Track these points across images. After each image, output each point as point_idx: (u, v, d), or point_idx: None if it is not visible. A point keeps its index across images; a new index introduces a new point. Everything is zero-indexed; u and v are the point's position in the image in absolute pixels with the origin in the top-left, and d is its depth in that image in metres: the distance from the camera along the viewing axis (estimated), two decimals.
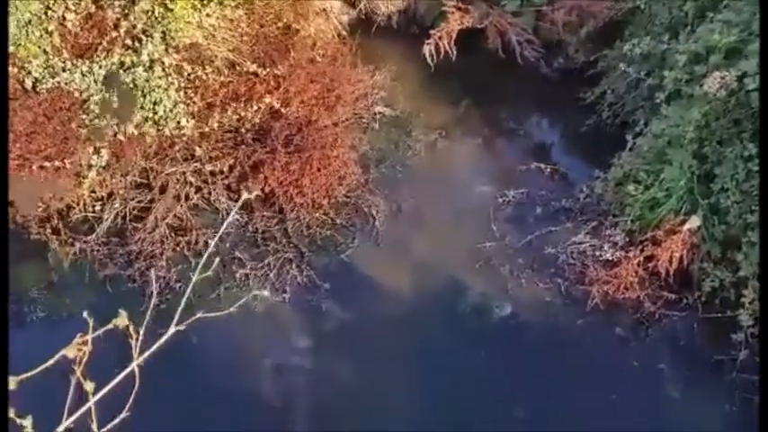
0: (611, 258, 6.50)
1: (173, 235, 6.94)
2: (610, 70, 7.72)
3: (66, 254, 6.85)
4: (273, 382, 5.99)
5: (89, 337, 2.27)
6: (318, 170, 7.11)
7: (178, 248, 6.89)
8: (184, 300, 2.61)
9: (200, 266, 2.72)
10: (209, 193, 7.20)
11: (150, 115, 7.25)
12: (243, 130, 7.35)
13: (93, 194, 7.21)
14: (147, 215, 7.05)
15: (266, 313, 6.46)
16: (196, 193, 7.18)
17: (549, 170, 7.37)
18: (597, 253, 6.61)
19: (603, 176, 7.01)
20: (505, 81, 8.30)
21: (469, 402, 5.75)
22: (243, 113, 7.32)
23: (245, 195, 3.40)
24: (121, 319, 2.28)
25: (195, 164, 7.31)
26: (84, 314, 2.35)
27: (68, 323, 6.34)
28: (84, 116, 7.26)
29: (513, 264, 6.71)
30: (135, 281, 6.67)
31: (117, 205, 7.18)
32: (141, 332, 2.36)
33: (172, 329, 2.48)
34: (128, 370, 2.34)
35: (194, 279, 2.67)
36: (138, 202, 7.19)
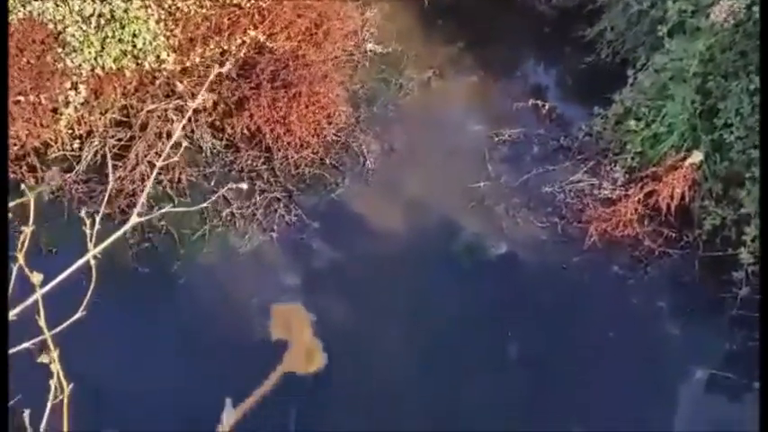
0: (610, 196, 6.31)
1: (154, 173, 6.65)
2: (611, 5, 7.40)
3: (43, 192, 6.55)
4: (262, 320, 5.79)
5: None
6: (306, 107, 6.81)
7: (160, 186, 6.61)
8: (149, 185, 2.34)
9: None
10: (192, 131, 6.90)
11: (129, 48, 6.87)
12: (227, 65, 6.99)
13: (71, 132, 6.89)
14: (127, 153, 6.74)
15: (254, 253, 6.24)
16: (180, 130, 6.86)
17: (546, 108, 7.11)
18: (596, 191, 6.41)
19: (603, 114, 6.77)
20: (501, 19, 7.96)
21: (463, 340, 5.60)
22: (226, 47, 6.97)
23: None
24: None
25: (177, 100, 6.98)
26: None
27: (47, 260, 6.09)
28: (59, 50, 6.87)
29: (509, 203, 6.51)
30: (115, 219, 6.40)
31: (96, 143, 6.87)
32: (97, 220, 2.11)
33: (133, 219, 2.23)
34: (83, 260, 2.10)
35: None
36: (118, 140, 6.88)
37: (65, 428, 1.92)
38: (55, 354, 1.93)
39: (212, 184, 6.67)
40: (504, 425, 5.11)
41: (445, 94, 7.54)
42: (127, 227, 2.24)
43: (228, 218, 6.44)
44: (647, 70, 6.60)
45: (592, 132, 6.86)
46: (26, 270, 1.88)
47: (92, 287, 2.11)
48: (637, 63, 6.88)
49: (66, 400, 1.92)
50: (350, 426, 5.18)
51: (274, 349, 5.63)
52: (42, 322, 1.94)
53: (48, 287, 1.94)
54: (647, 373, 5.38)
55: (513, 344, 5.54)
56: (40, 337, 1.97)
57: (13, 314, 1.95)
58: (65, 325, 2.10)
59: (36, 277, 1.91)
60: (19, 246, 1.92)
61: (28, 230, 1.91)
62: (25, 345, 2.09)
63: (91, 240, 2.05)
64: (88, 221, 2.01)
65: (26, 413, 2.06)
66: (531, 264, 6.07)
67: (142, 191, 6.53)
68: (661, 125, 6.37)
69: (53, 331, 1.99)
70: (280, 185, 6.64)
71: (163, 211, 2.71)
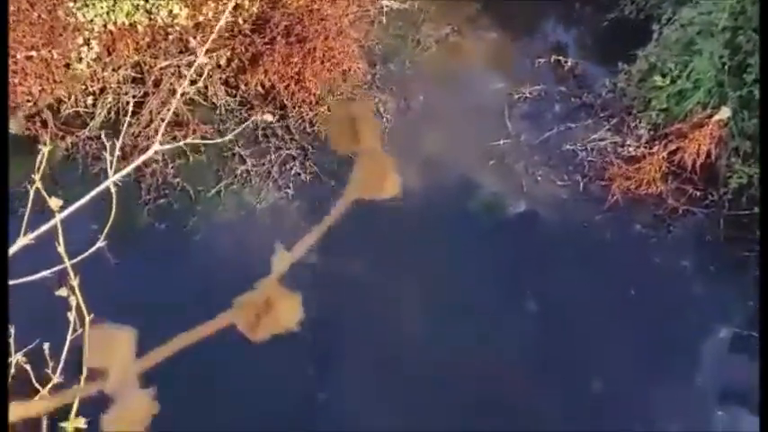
0: (633, 154, 6.16)
1: (168, 129, 6.56)
2: None
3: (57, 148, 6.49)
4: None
5: None
6: (321, 63, 6.65)
7: (174, 143, 6.52)
8: (173, 106, 2.26)
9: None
10: (206, 87, 6.78)
11: (141, 2, 6.73)
12: (240, 20, 6.84)
13: (84, 88, 6.80)
14: (140, 110, 6.65)
15: (270, 210, 6.17)
16: (191, 85, 6.76)
17: (568, 65, 6.92)
18: (619, 149, 6.25)
19: (627, 70, 6.57)
20: None
21: (480, 297, 5.53)
22: (239, 1, 6.80)
23: None
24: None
25: (190, 57, 6.85)
26: None
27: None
28: (71, 4, 6.74)
29: (529, 161, 6.37)
30: (130, 175, 6.34)
31: (110, 100, 6.77)
32: (118, 145, 2.03)
33: (155, 146, 2.15)
34: (102, 186, 2.03)
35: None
36: (132, 96, 6.77)
37: (85, 357, 1.86)
38: (75, 282, 1.86)
39: (226, 141, 6.57)
40: (523, 379, 5.07)
41: (464, 51, 7.35)
42: (149, 153, 2.15)
43: (244, 175, 6.36)
44: (673, 25, 6.37)
45: (615, 89, 6.68)
46: (44, 193, 1.80)
47: (111, 216, 2.03)
48: (662, 18, 6.65)
49: (86, 331, 1.86)
50: (367, 381, 5.16)
51: None
52: (62, 249, 1.87)
53: (66, 212, 1.86)
54: (668, 330, 5.30)
55: (532, 301, 5.47)
56: (59, 266, 1.90)
57: (31, 238, 1.88)
58: (86, 254, 2.03)
59: (55, 202, 1.84)
60: (36, 166, 1.84)
61: (45, 150, 1.82)
62: (44, 273, 2.02)
63: (111, 167, 1.97)
64: (108, 144, 1.93)
65: (46, 346, 2.01)
66: (551, 222, 5.96)
67: (163, 120, 6.44)
68: (687, 81, 6.17)
69: (73, 260, 1.92)
70: (295, 143, 6.53)
71: (186, 141, 2.62)
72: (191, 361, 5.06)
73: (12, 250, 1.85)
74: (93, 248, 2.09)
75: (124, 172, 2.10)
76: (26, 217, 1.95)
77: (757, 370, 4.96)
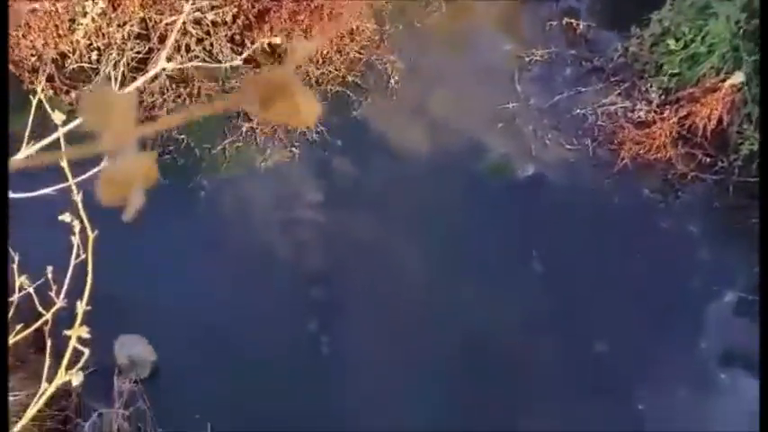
0: (644, 119, 6.07)
1: (173, 86, 6.50)
2: None
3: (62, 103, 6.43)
4: (284, 234, 5.73)
5: None
6: (329, 20, 6.54)
7: (179, 100, 6.47)
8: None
9: None
10: (212, 45, 6.69)
11: None
12: None
13: (89, 44, 6.71)
14: (145, 66, 6.57)
15: (275, 169, 6.13)
16: (197, 44, 6.67)
17: (580, 29, 6.78)
18: (629, 114, 6.16)
19: (639, 34, 6.44)
20: None
21: (487, 257, 5.51)
22: None
23: None
24: None
25: (196, 13, 6.74)
26: None
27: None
28: None
29: (538, 125, 6.29)
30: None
31: (114, 55, 6.69)
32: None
33: (161, 63, 2.09)
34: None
35: None
36: (137, 52, 6.69)
37: (88, 281, 1.84)
38: (78, 197, 1.83)
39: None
40: (526, 339, 5.08)
41: (474, 12, 7.21)
42: (156, 69, 2.09)
43: (249, 133, 6.31)
44: None
45: (627, 54, 6.55)
46: (46, 106, 1.75)
47: None
48: None
49: (90, 250, 1.83)
50: (371, 336, 5.18)
51: (296, 261, 5.59)
52: (65, 163, 1.84)
53: (71, 126, 1.82)
54: (673, 294, 5.29)
55: (538, 262, 5.45)
56: (61, 185, 1.86)
57: (35, 149, 1.84)
58: (89, 174, 1.99)
59: (58, 116, 1.79)
60: (39, 76, 1.78)
61: (48, 56, 1.77)
62: (46, 190, 1.99)
63: (116, 81, 1.92)
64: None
65: (49, 270, 1.98)
66: (558, 185, 5.90)
67: (162, 104, 6.39)
68: (701, 45, 6.05)
69: (77, 179, 1.89)
70: None
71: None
72: (194, 314, 5.11)
73: (15, 158, 1.81)
74: (97, 168, 2.04)
75: (134, 85, 2.04)
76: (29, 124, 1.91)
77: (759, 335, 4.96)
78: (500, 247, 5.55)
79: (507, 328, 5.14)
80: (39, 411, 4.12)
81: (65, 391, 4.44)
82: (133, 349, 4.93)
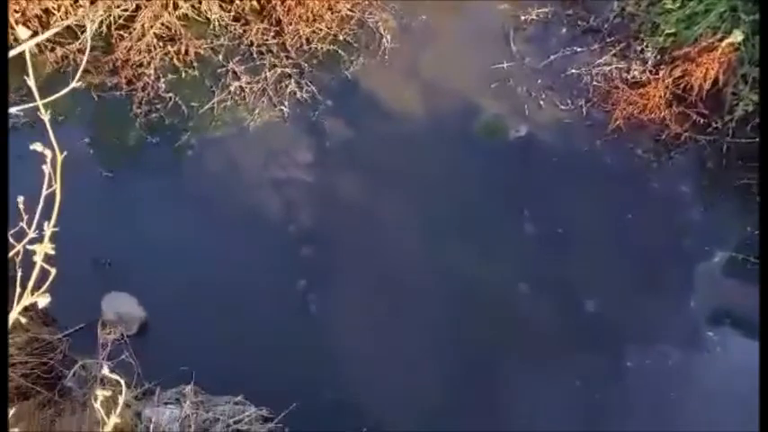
0: (638, 79, 6.00)
1: (161, 45, 6.37)
2: None
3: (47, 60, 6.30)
4: (274, 194, 5.68)
5: None
6: None
7: (167, 58, 6.34)
8: None
9: None
10: (200, 2, 6.54)
11: None
12: None
13: (74, 0, 6.54)
14: (132, 24, 6.43)
15: (265, 128, 6.05)
16: (185, 1, 6.51)
17: None
18: (624, 74, 6.08)
19: None
20: None
21: (479, 218, 5.48)
22: None
23: None
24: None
25: None
26: None
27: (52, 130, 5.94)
28: None
29: (532, 85, 6.20)
30: (121, 89, 6.19)
31: (100, 12, 6.53)
32: None
33: None
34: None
35: None
36: (124, 10, 6.54)
37: (57, 201, 1.78)
38: (47, 118, 1.76)
39: (220, 57, 6.39)
40: (518, 298, 5.07)
41: None
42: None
43: (237, 92, 6.20)
44: None
45: (623, 14, 6.45)
46: (12, 23, 1.67)
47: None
48: None
49: (58, 172, 1.77)
50: (361, 296, 5.16)
51: (285, 220, 5.55)
52: (31, 82, 1.77)
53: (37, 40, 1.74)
54: (664, 253, 5.28)
55: (531, 222, 5.42)
56: (31, 104, 1.80)
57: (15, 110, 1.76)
58: (59, 94, 1.93)
59: (22, 31, 1.72)
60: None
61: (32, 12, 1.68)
62: (12, 110, 1.92)
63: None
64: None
65: (20, 200, 1.92)
66: (552, 146, 5.85)
67: (149, 62, 6.27)
68: (699, 4, 5.94)
69: (48, 99, 1.82)
70: (291, 61, 6.35)
71: None
72: (183, 272, 5.08)
73: None
74: (68, 88, 1.98)
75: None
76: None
77: (753, 292, 4.97)
78: (491, 207, 5.51)
79: (497, 287, 5.13)
80: (23, 363, 4.09)
81: (49, 344, 4.42)
82: (121, 306, 4.90)
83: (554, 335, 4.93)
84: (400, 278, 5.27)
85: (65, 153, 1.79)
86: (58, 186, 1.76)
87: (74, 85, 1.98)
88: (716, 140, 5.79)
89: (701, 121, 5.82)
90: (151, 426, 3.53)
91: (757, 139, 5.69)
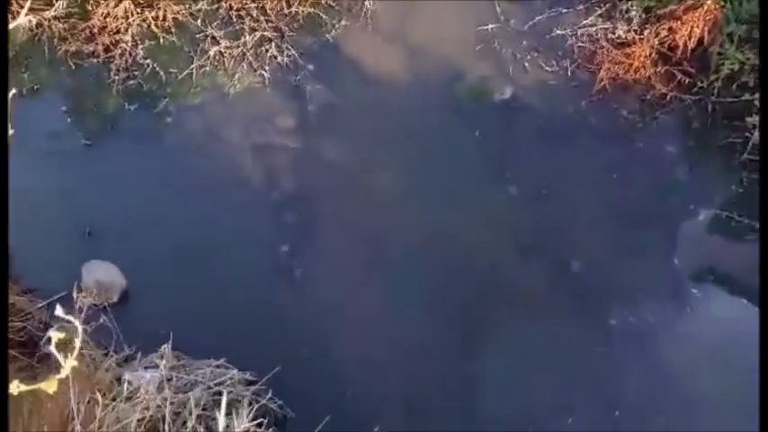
0: (624, 39, 5.93)
1: (138, 11, 6.21)
2: None
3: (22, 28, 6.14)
4: (255, 160, 5.60)
5: None
6: None
7: (144, 24, 6.20)
8: None
9: None
10: None
11: None
12: None
13: None
14: None
15: (245, 94, 5.94)
16: None
17: None
18: (610, 35, 6.01)
19: None
20: None
21: (463, 181, 5.44)
22: None
23: None
24: None
25: None
26: None
27: (29, 99, 5.83)
28: None
29: (517, 47, 6.12)
30: (98, 57, 6.05)
31: None
32: None
33: None
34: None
35: None
36: None
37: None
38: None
39: (199, 22, 6.25)
40: (504, 260, 5.06)
41: None
42: None
43: (217, 57, 6.08)
44: None
45: None
46: None
47: None
48: None
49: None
50: (346, 259, 5.13)
51: (268, 186, 5.49)
52: None
53: None
54: (649, 213, 5.26)
55: (515, 184, 5.38)
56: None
57: None
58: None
59: None
60: None
61: None
62: None
63: None
64: None
65: None
66: (537, 108, 5.79)
67: (126, 28, 6.13)
68: None
69: None
70: (271, 24, 6.22)
71: None
72: (164, 239, 5.01)
73: None
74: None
75: None
76: None
77: (738, 249, 5.00)
78: (476, 169, 5.47)
79: (482, 248, 5.10)
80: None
81: (29, 313, 4.37)
82: (101, 275, 4.84)
83: (539, 295, 4.92)
84: (385, 242, 5.24)
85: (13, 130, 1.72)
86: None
87: None
88: (701, 100, 5.75)
89: (687, 80, 5.78)
90: (125, 386, 3.49)
91: (743, 98, 5.66)
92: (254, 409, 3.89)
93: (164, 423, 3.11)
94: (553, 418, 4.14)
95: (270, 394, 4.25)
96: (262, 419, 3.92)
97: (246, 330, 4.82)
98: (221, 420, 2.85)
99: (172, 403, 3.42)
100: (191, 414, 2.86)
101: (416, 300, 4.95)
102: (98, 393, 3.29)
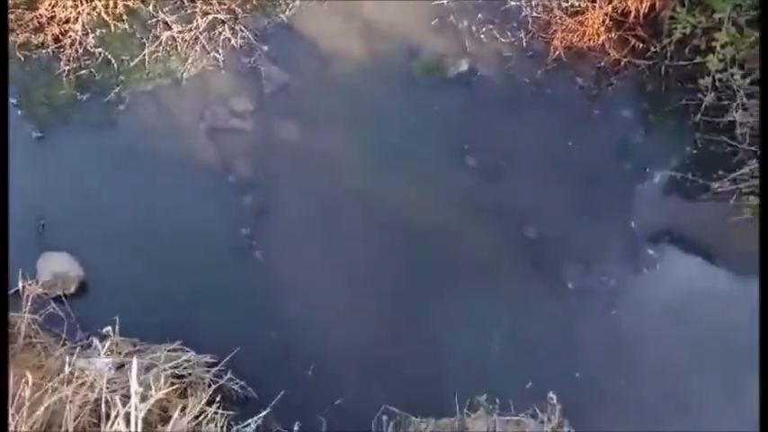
0: (578, 7, 5.94)
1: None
2: None
3: None
4: (212, 144, 5.55)
5: None
6: None
7: (94, 12, 6.09)
8: None
9: None
10: None
11: None
12: None
13: None
14: None
15: (199, 78, 5.87)
16: None
17: None
18: (564, 3, 6.01)
19: None
20: None
21: (421, 156, 5.43)
22: None
23: None
24: None
25: None
26: None
27: None
28: None
29: (473, 20, 6.10)
30: (48, 47, 5.94)
31: None
32: None
33: None
34: None
35: None
36: None
37: None
38: None
39: (150, 8, 6.15)
40: (461, 228, 5.08)
41: None
42: None
43: (169, 42, 6.00)
44: None
45: None
46: None
47: None
48: None
49: None
50: (305, 238, 5.12)
51: (225, 170, 5.45)
52: None
53: None
54: (605, 178, 5.30)
55: (472, 155, 5.39)
56: None
57: None
58: None
59: None
60: None
61: None
62: None
63: None
64: None
65: None
66: (493, 79, 5.79)
67: (77, 18, 6.02)
68: None
69: None
70: (224, 6, 6.14)
71: None
72: (121, 227, 4.94)
73: None
74: None
75: None
76: None
77: (692, 209, 5.05)
78: (434, 142, 5.46)
79: (440, 220, 5.11)
80: None
81: None
82: (57, 266, 4.78)
83: (498, 261, 4.95)
84: (344, 219, 5.23)
85: None
86: None
87: None
88: (655, 64, 5.78)
89: (640, 45, 5.80)
90: (75, 371, 3.46)
91: (695, 60, 5.70)
92: (212, 391, 3.87)
93: (108, 407, 3.09)
94: (511, 381, 4.17)
95: (230, 375, 4.24)
96: (220, 400, 3.90)
97: (208, 314, 4.79)
98: (133, 384, 2.87)
99: (122, 388, 3.40)
100: (136, 395, 2.85)
101: (376, 274, 4.95)
102: (46, 380, 3.26)
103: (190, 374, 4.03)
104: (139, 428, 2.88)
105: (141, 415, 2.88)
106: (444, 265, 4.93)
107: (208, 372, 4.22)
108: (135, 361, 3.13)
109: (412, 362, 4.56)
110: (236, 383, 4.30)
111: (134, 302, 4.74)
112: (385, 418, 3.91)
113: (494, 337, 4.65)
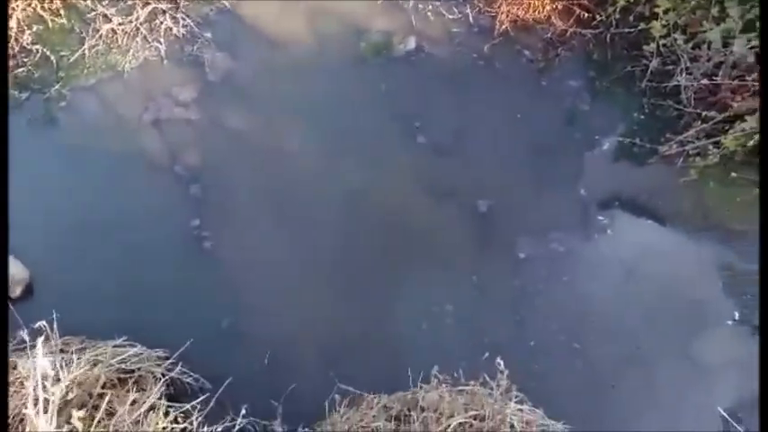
0: None
1: None
2: None
3: None
4: (156, 136, 5.43)
5: None
6: None
7: (30, 8, 5.91)
8: None
9: None
10: None
11: None
12: None
13: None
14: None
15: (141, 70, 5.73)
16: None
17: None
18: None
19: None
20: None
21: (371, 136, 5.38)
22: None
23: None
24: None
25: None
26: None
27: None
28: None
29: None
30: None
31: None
32: None
33: None
34: None
35: None
36: None
37: None
38: None
39: (89, 2, 5.99)
40: (413, 206, 5.05)
41: None
42: None
43: (109, 35, 5.85)
44: None
45: None
46: None
47: None
48: None
49: None
50: (257, 226, 5.04)
51: (171, 161, 5.34)
52: None
53: None
54: (553, 147, 5.31)
55: (423, 133, 5.35)
56: None
57: None
58: None
59: None
60: None
61: None
62: None
63: None
64: None
65: None
66: (441, 57, 5.75)
67: (11, 14, 5.83)
68: None
69: None
70: None
71: None
72: (67, 225, 4.81)
73: None
74: None
75: None
76: None
77: (641, 174, 5.08)
78: (384, 123, 5.41)
79: (393, 199, 5.08)
80: None
81: None
82: None
83: (450, 237, 4.93)
84: (295, 204, 5.16)
85: None
86: None
87: None
88: (601, 33, 5.79)
89: (585, 15, 5.81)
90: (15, 373, 3.37)
91: (640, 27, 5.72)
92: (164, 384, 3.79)
93: (46, 405, 3.00)
94: (467, 353, 4.16)
95: (180, 368, 4.16)
96: (173, 393, 3.83)
97: (160, 308, 4.70)
98: (39, 363, 2.82)
99: (67, 386, 3.31)
100: (45, 378, 2.79)
101: (329, 257, 4.90)
102: None
103: (139, 369, 3.95)
104: (50, 411, 2.81)
105: (55, 399, 2.81)
106: (398, 243, 4.90)
107: (159, 366, 4.14)
108: (40, 341, 3.05)
109: (368, 342, 4.53)
110: (189, 376, 4.22)
111: (83, 301, 4.63)
112: (338, 397, 3.88)
113: (448, 311, 4.64)
